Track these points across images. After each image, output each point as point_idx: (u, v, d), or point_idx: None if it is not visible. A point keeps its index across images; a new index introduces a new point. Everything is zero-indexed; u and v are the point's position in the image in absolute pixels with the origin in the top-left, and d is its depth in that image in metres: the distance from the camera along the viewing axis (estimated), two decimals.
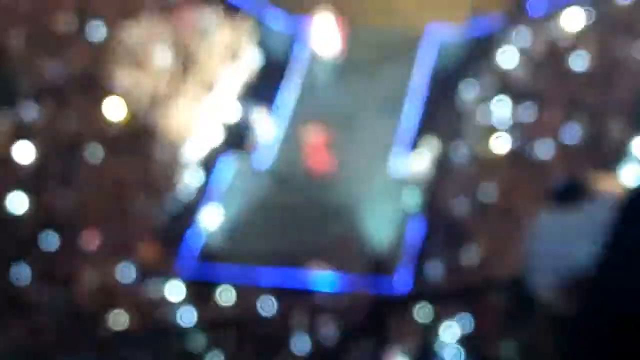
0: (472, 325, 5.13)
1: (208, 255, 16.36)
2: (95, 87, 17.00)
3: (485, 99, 17.40)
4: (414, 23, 19.12)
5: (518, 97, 17.10)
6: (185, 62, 17.85)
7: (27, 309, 13.59)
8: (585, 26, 17.60)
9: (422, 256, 16.18)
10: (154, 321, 13.83)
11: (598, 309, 2.46)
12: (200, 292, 15.02)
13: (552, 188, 2.42)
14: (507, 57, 17.66)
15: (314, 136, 17.45)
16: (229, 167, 17.76)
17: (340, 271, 15.88)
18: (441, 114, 18.28)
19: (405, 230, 16.45)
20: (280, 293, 14.83)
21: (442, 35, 19.03)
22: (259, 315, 11.03)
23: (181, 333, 12.32)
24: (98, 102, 16.73)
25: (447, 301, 11.54)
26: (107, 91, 16.97)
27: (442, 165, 17.22)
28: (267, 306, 14.27)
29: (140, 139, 16.69)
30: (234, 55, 18.49)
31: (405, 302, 8.78)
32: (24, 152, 15.49)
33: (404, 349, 10.17)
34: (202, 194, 17.28)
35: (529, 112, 16.76)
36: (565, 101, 16.64)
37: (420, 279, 15.39)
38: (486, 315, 5.88)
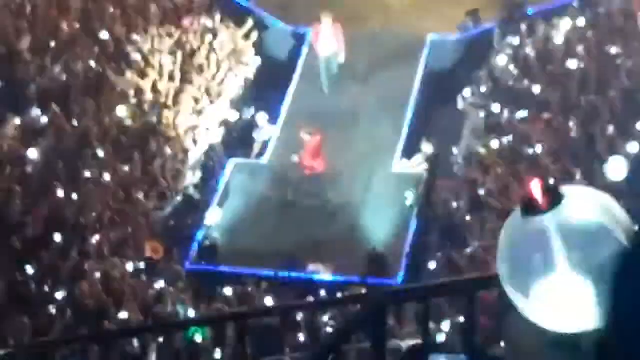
0: (470, 323, 5.32)
1: (210, 253, 16.45)
2: (100, 90, 17.12)
3: (482, 101, 17.52)
4: (413, 28, 19.23)
5: (513, 99, 17.23)
6: (188, 64, 17.94)
7: (34, 305, 13.67)
8: (578, 29, 17.75)
9: (420, 254, 16.27)
10: (157, 317, 13.89)
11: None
12: (202, 289, 15.12)
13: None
14: (503, 60, 17.79)
15: (310, 137, 17.49)
16: (230, 167, 17.88)
17: (339, 269, 15.97)
18: (439, 116, 18.40)
19: (404, 229, 16.57)
20: (280, 291, 14.92)
21: (439, 39, 19.14)
22: (259, 313, 11.14)
23: (183, 329, 12.40)
24: (104, 105, 16.84)
25: (445, 299, 11.70)
26: (112, 93, 17.09)
27: (441, 165, 17.34)
28: (268, 304, 14.36)
29: (144, 140, 16.79)
30: (235, 56, 18.56)
31: (404, 300, 8.86)
32: (31, 153, 15.64)
33: (403, 346, 10.31)
34: (204, 194, 17.37)
35: (524, 114, 16.87)
36: (559, 102, 16.76)
37: (418, 277, 15.42)
38: (484, 313, 6.06)
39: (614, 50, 17.16)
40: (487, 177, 16.17)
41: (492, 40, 18.48)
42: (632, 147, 15.56)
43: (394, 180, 17.38)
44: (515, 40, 18.09)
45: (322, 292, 15.13)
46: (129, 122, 16.95)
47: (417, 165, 17.41)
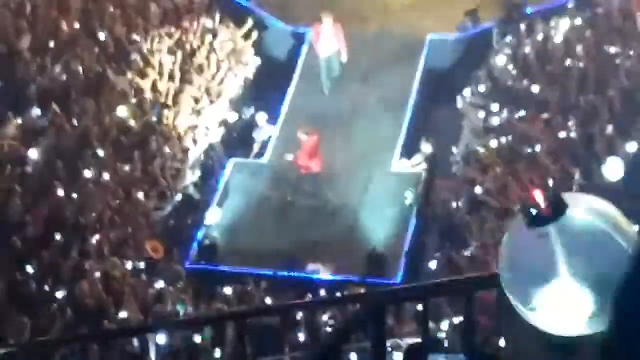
0: (470, 323, 5.34)
1: (210, 253, 16.47)
2: (100, 90, 17.13)
3: (481, 100, 17.55)
4: (412, 27, 19.25)
5: (512, 98, 17.25)
6: (188, 64, 17.97)
7: (34, 304, 13.68)
8: (577, 29, 17.77)
9: (419, 254, 16.29)
10: (157, 316, 13.91)
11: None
12: (201, 289, 15.14)
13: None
14: (502, 60, 17.82)
15: (307, 137, 17.50)
16: (230, 167, 17.89)
17: (338, 269, 16.00)
18: (438, 115, 18.43)
19: (403, 228, 16.58)
20: (279, 290, 14.94)
21: (438, 38, 19.16)
22: (259, 312, 11.15)
23: (183, 329, 12.42)
24: (104, 105, 16.86)
25: (444, 299, 11.73)
26: (112, 93, 17.11)
27: (440, 165, 17.36)
28: (268, 303, 14.38)
29: (144, 140, 16.81)
30: (235, 56, 18.59)
31: (403, 300, 8.88)
32: (31, 153, 15.65)
33: (403, 345, 10.35)
34: (204, 193, 17.40)
35: (523, 113, 16.89)
36: (558, 102, 16.77)
37: (417, 276, 15.44)
38: (483, 313, 6.08)
39: (612, 50, 17.17)
40: (486, 176, 16.18)
41: (491, 40, 18.51)
42: (631, 147, 15.56)
43: (393, 180, 17.40)
44: (514, 40, 18.12)
45: (322, 292, 15.09)
46: (129, 122, 16.97)
47: (416, 165, 17.44)
